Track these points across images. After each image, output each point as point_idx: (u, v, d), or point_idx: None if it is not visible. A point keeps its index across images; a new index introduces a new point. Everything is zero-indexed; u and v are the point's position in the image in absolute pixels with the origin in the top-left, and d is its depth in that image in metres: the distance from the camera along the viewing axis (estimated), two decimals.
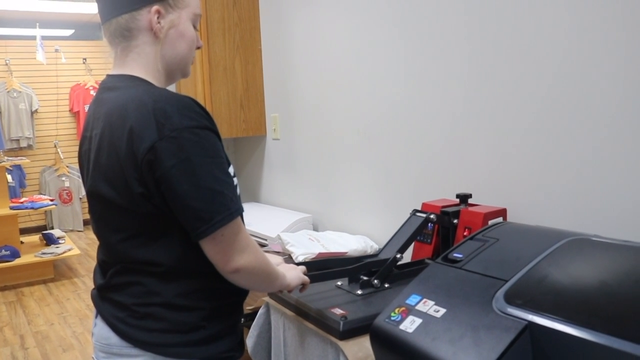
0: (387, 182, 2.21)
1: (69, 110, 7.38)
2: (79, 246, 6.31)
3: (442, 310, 1.07)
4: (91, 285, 5.03)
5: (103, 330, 1.19)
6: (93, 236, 7.04)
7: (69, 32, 7.56)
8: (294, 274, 1.34)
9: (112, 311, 1.18)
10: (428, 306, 1.10)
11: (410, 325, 1.07)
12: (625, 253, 1.04)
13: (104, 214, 1.17)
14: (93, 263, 5.78)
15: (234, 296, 1.25)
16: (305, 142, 2.70)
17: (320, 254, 2.07)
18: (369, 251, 2.19)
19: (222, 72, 2.84)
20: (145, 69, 1.20)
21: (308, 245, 2.16)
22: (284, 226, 2.57)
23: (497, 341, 0.93)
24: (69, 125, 7.44)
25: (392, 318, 1.12)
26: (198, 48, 1.28)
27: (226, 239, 1.10)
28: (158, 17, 1.18)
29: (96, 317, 1.25)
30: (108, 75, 1.23)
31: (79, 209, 7.43)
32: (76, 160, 7.44)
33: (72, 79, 7.36)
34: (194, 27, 1.25)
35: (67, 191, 7.27)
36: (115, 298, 1.19)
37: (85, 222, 7.59)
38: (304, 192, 2.76)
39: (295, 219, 2.62)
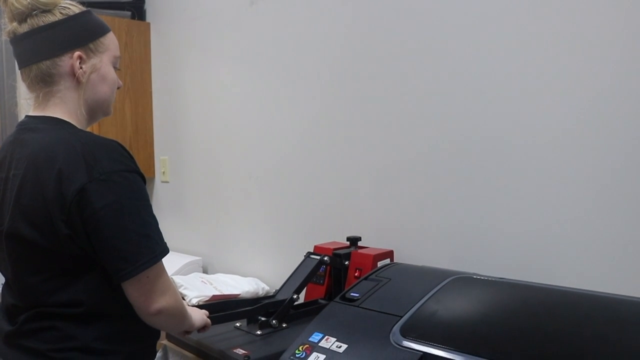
0: (277, 225, 2.28)
1: None
2: None
3: (344, 346, 1.15)
4: None
5: None
6: None
7: None
8: (197, 315, 1.36)
9: (23, 358, 1.15)
10: (330, 342, 1.18)
11: None
12: (502, 288, 1.19)
13: (23, 255, 1.14)
14: None
15: (150, 339, 1.26)
16: (195, 185, 2.72)
17: (214, 296, 2.09)
18: (261, 293, 2.23)
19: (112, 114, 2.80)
20: (68, 112, 1.20)
21: (201, 287, 2.16)
22: (174, 269, 2.55)
23: None
24: None
25: (297, 355, 1.18)
26: (118, 88, 1.30)
27: (150, 280, 1.12)
28: (80, 62, 1.19)
29: None
30: (27, 116, 1.22)
31: None
32: None
33: None
34: (115, 67, 1.27)
35: None
36: (27, 345, 1.15)
37: None
38: (193, 235, 2.76)
39: (185, 262, 2.60)
